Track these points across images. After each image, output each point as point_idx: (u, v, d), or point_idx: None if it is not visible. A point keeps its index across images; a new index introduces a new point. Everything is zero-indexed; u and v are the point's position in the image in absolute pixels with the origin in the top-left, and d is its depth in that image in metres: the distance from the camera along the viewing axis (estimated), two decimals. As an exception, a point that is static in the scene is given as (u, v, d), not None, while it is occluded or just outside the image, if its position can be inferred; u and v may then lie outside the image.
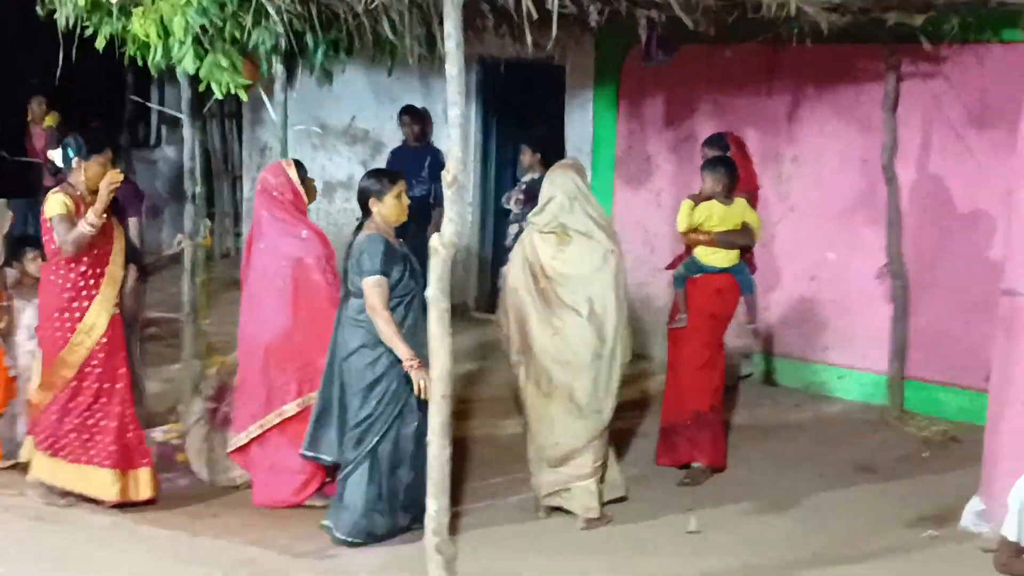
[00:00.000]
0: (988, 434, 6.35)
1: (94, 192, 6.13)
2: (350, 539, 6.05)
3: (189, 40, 6.04)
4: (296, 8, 5.75)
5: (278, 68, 6.84)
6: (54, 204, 6.16)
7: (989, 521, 6.05)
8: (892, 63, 8.12)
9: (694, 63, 9.02)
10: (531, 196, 9.40)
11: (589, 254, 6.23)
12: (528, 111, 10.85)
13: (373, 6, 5.42)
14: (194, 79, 7.12)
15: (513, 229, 8.86)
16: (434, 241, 5.21)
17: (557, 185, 6.31)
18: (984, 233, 8.04)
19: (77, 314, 6.26)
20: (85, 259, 6.24)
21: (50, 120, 11.20)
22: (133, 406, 6.46)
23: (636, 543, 6.20)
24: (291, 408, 6.48)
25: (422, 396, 5.71)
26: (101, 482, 6.33)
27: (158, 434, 7.23)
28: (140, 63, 6.87)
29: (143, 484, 6.41)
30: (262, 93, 7.04)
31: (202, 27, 5.88)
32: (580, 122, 10.11)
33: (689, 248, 7.25)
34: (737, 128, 8.94)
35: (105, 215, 6.09)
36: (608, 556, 6.03)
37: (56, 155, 6.29)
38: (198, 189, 7.40)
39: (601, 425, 6.30)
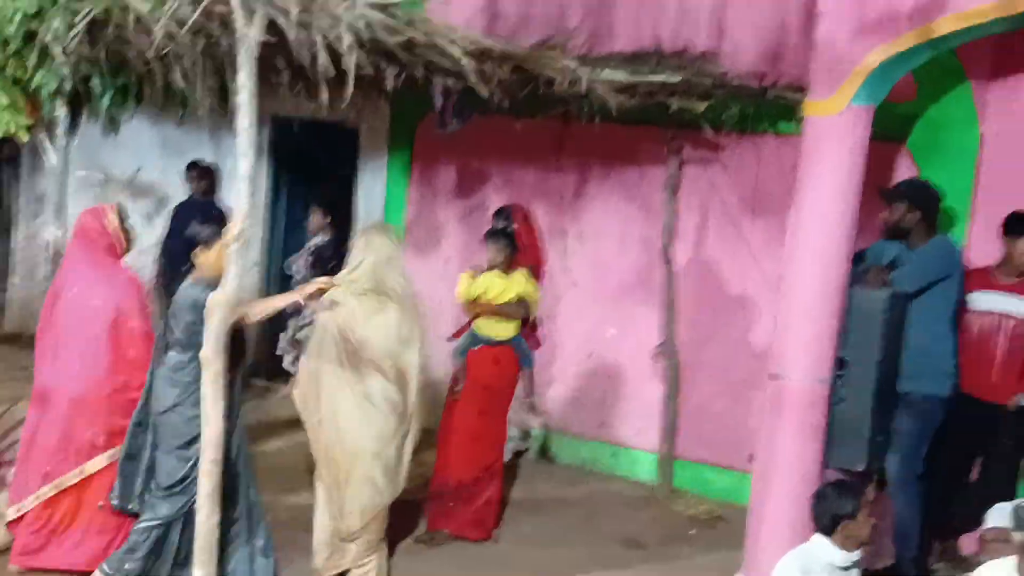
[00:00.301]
0: (752, 513, 6.54)
1: None
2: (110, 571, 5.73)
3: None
4: (85, 51, 5.53)
5: (60, 111, 6.57)
6: None
7: (749, 597, 6.23)
8: (674, 147, 8.43)
9: (487, 134, 9.13)
10: (318, 260, 9.34)
11: (401, 322, 6.17)
12: (320, 172, 10.78)
13: (164, 52, 5.28)
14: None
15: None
16: (211, 300, 5.10)
17: (374, 247, 6.24)
18: (751, 318, 8.37)
19: None
20: None
21: None
22: None
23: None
24: (99, 462, 6.07)
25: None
26: None
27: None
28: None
29: None
30: (43, 137, 6.75)
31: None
32: (372, 185, 10.10)
33: (471, 320, 7.33)
34: (525, 201, 9.07)
35: None
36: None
37: None
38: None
39: (397, 493, 6.22)
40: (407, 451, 6.22)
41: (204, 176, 10.49)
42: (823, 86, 6.28)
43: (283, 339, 9.50)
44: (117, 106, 6.63)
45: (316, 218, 9.85)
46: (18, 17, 5.14)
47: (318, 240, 9.68)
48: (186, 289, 5.83)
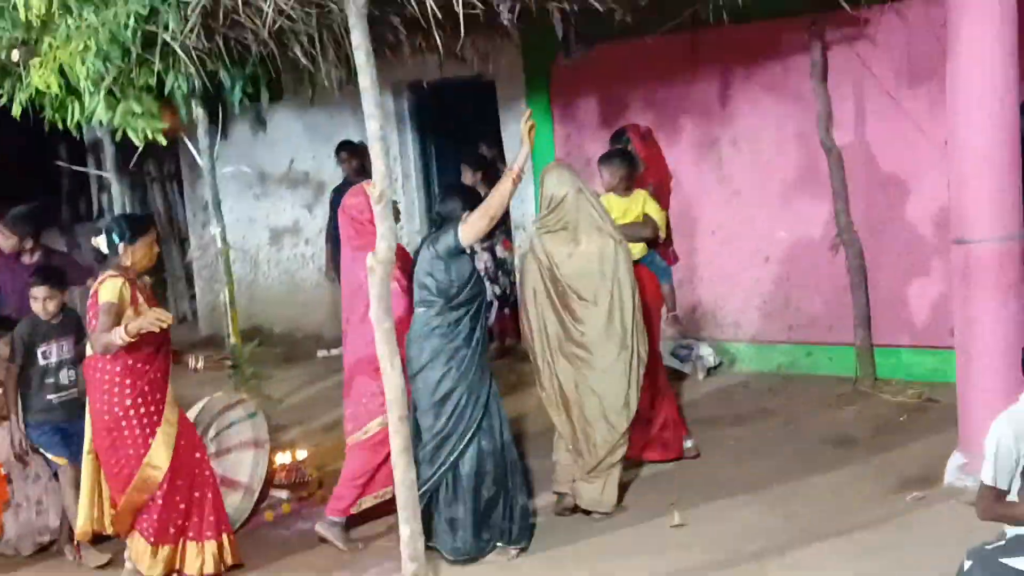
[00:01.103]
0: (960, 387, 6.27)
1: (142, 273, 5.99)
2: (454, 559, 5.90)
3: (101, 93, 5.90)
4: (204, 44, 5.59)
5: (198, 112, 6.69)
6: (110, 290, 5.74)
7: (972, 473, 5.95)
8: (815, 32, 8.07)
9: (620, 60, 9.00)
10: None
11: (601, 249, 6.21)
12: (465, 130, 10.75)
13: (276, 27, 5.28)
14: (115, 133, 7.04)
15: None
16: (369, 260, 5.11)
17: (564, 182, 6.26)
18: (927, 190, 7.99)
19: (153, 408, 5.88)
20: (138, 355, 5.82)
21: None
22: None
23: (623, 546, 6.08)
24: (373, 427, 6.21)
25: None
26: (207, 556, 6.08)
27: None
28: (61, 126, 6.76)
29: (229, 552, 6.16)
30: (186, 140, 6.89)
31: (113, 77, 5.76)
32: (517, 133, 9.95)
33: None
34: (670, 117, 8.89)
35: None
36: (599, 562, 5.90)
37: (100, 242, 6.00)
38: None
39: (630, 418, 6.29)
40: (636, 375, 6.26)
41: (354, 155, 10.52)
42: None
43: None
44: (249, 97, 6.67)
45: (467, 176, 9.86)
46: (131, 21, 5.18)
47: (474, 196, 9.69)
48: (426, 251, 5.95)
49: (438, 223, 6.15)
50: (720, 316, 9.04)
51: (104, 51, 5.18)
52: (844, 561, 5.56)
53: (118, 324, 5.59)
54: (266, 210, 11.69)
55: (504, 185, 5.84)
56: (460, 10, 5.14)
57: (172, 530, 5.97)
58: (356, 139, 10.70)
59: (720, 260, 8.90)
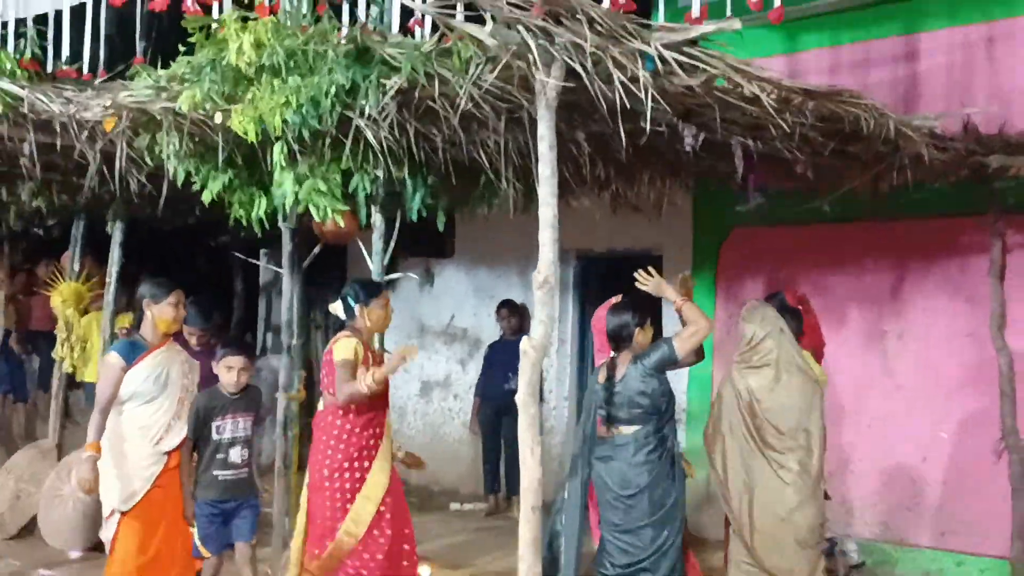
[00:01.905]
0: None
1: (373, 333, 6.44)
2: None
3: (291, 175, 6.16)
4: (394, 136, 5.81)
5: (377, 217, 6.89)
6: (345, 348, 6.22)
7: None
8: (997, 231, 7.96)
9: (791, 242, 9.03)
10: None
11: (802, 385, 6.52)
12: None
13: (463, 119, 5.48)
14: (295, 231, 7.29)
15: None
16: (524, 343, 5.11)
17: (768, 321, 6.64)
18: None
19: (366, 463, 6.26)
20: (365, 407, 6.25)
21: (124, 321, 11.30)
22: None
23: None
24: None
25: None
26: None
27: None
28: (245, 221, 7.04)
29: None
30: (360, 244, 7.08)
31: (301, 152, 6.02)
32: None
33: None
34: (839, 306, 8.79)
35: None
36: None
37: (337, 307, 6.46)
38: (295, 341, 7.38)
39: (819, 553, 6.54)
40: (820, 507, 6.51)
41: (514, 314, 10.68)
42: None
43: None
44: (428, 209, 6.84)
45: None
46: (332, 88, 5.43)
47: (628, 367, 9.67)
48: (635, 368, 6.30)
49: (616, 342, 6.50)
50: (869, 513, 8.68)
51: (303, 107, 5.42)
52: None
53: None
54: (420, 361, 11.83)
55: (693, 310, 6.36)
56: (647, 124, 5.19)
57: None
58: (519, 300, 10.89)
59: (875, 455, 8.62)
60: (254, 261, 8.07)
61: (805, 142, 6.10)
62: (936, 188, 7.98)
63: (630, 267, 10.48)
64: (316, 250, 7.31)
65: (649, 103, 5.03)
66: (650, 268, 6.60)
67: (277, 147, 5.99)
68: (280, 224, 7.12)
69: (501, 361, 10.35)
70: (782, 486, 6.38)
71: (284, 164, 6.06)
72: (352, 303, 6.39)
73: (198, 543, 6.37)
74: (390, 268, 7.22)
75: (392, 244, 7.02)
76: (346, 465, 6.19)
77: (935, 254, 8.50)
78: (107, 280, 9.19)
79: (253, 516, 6.37)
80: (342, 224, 6.44)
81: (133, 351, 6.34)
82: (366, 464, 6.20)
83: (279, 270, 7.45)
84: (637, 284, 6.54)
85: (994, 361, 7.95)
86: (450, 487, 11.27)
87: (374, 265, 7.01)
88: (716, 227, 9.62)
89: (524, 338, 5.13)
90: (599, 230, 9.98)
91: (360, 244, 7.10)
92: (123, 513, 6.23)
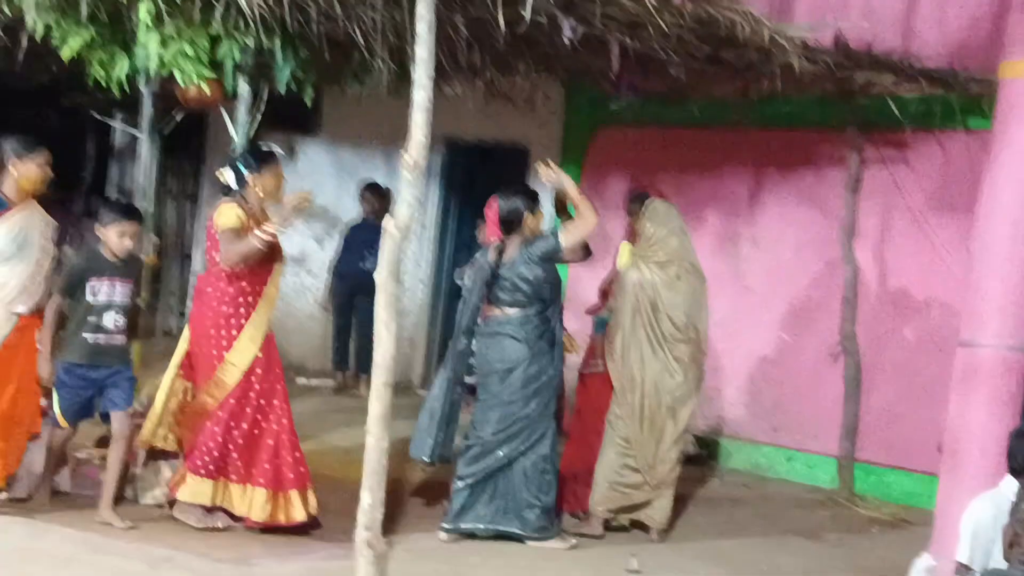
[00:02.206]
0: (942, 489, 6.17)
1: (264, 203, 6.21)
2: None
3: (155, 35, 5.98)
4: (267, 4, 5.66)
5: (243, 87, 6.75)
6: (227, 215, 6.05)
7: (939, 576, 5.86)
8: (856, 146, 8.20)
9: (656, 144, 9.16)
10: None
11: (697, 284, 6.77)
12: (491, 193, 10.82)
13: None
14: (156, 96, 7.11)
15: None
16: (387, 223, 5.12)
17: (673, 220, 6.81)
18: (937, 318, 8.03)
19: (234, 331, 6.10)
20: (245, 275, 6.11)
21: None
22: (291, 425, 6.25)
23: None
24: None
25: None
26: (255, 503, 6.09)
27: (82, 454, 6.92)
28: (105, 83, 6.83)
29: (294, 506, 6.14)
30: (224, 113, 6.93)
31: (168, 12, 5.84)
32: (543, 202, 10.06)
33: (606, 295, 7.30)
34: (698, 207, 8.96)
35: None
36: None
37: (227, 175, 6.20)
38: (150, 208, 7.22)
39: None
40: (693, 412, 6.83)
41: (378, 197, 10.62)
42: (1020, 45, 6.01)
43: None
44: (297, 83, 6.72)
45: (483, 232, 9.89)
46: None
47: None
48: (522, 254, 6.44)
49: (507, 225, 6.62)
50: (707, 408, 8.96)
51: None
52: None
53: None
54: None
55: (586, 204, 6.53)
56: (527, 12, 5.18)
57: (219, 464, 6.05)
58: (383, 183, 10.83)
59: (717, 352, 8.87)
60: (109, 122, 7.79)
61: (681, 43, 6.16)
62: (801, 100, 8.19)
63: (497, 157, 10.63)
64: (177, 117, 7.13)
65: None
66: (548, 160, 6.73)
67: (143, 5, 5.80)
68: (141, 87, 6.92)
69: (360, 241, 10.34)
70: (672, 378, 6.60)
71: (150, 24, 5.87)
72: (243, 169, 6.17)
73: (56, 411, 6.16)
74: (253, 141, 7.10)
75: (256, 116, 6.89)
76: (221, 323, 6.08)
77: (795, 164, 8.74)
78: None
79: (129, 386, 6.15)
80: (207, 91, 6.28)
81: None
82: (242, 322, 6.08)
83: (137, 133, 7.28)
84: (540, 174, 6.66)
85: (841, 269, 8.26)
86: (296, 362, 11.20)
87: (237, 136, 6.88)
88: (585, 124, 9.69)
89: (387, 217, 5.13)
90: (469, 119, 9.93)
91: (224, 113, 6.95)
92: None
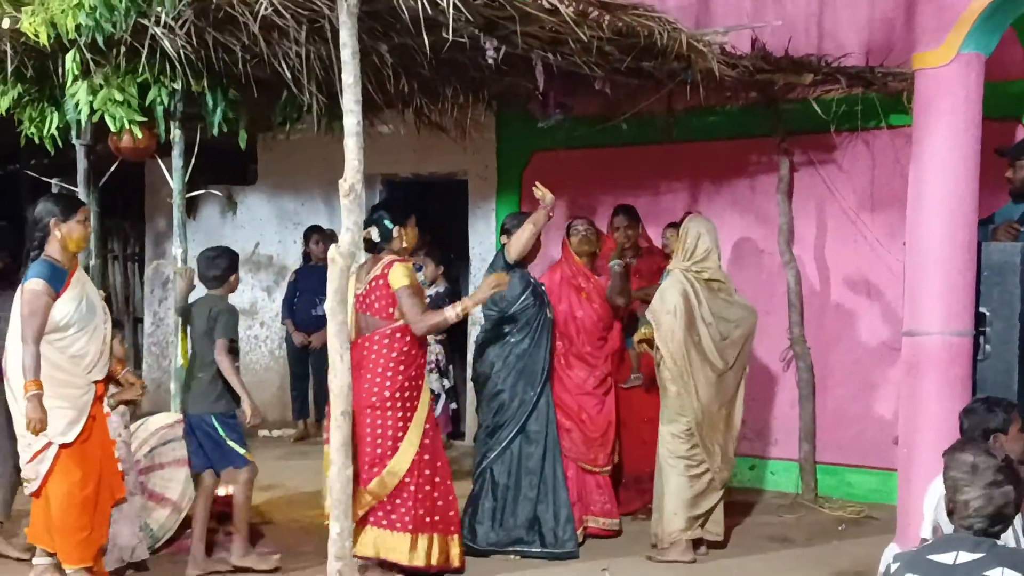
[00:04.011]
0: (901, 480, 6.24)
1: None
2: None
3: (83, 84, 5.98)
4: (192, 44, 5.68)
5: (176, 133, 6.75)
6: (403, 275, 6.07)
7: (906, 562, 5.88)
8: (785, 150, 8.31)
9: (591, 164, 9.24)
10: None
11: (746, 309, 6.84)
12: (431, 226, 10.86)
13: (264, 29, 5.38)
14: (90, 148, 7.10)
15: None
16: (331, 251, 5.14)
17: (709, 233, 6.76)
18: (879, 315, 8.14)
19: (416, 392, 6.10)
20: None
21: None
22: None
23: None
24: None
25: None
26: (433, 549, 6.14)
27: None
28: (37, 140, 6.83)
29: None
30: (160, 163, 6.94)
31: (95, 62, 5.85)
32: (484, 232, 10.15)
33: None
34: (637, 225, 9.03)
35: None
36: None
37: (372, 232, 6.21)
38: (92, 262, 7.20)
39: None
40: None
41: (324, 240, 10.60)
42: (931, 35, 6.14)
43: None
44: (228, 124, 6.74)
45: (429, 269, 9.93)
46: (124, 4, 5.24)
47: (433, 291, 9.76)
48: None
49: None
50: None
51: (96, 10, 5.21)
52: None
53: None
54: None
55: (538, 214, 6.76)
56: (449, 35, 5.24)
57: (428, 520, 6.09)
58: (325, 226, 10.83)
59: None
60: (47, 179, 7.77)
61: (602, 56, 6.23)
62: (727, 111, 8.33)
63: (435, 192, 10.67)
64: (112, 167, 7.12)
65: (451, 12, 5.07)
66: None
67: (70, 55, 5.82)
68: (74, 141, 6.92)
69: (308, 287, 10.32)
70: (724, 383, 6.72)
71: (77, 72, 5.88)
72: (389, 225, 6.21)
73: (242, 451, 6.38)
74: (190, 192, 7.09)
75: (191, 163, 6.88)
76: (406, 384, 6.05)
77: (726, 174, 8.84)
78: None
79: None
80: (139, 135, 6.27)
81: (55, 276, 5.79)
82: (420, 383, 6.14)
83: (73, 189, 7.25)
84: (538, 193, 6.85)
85: (782, 275, 8.34)
86: (255, 414, 11.18)
87: (175, 183, 6.88)
88: (519, 151, 9.76)
89: (332, 246, 5.15)
90: (404, 155, 10.03)
91: (160, 163, 6.95)
92: (63, 446, 5.77)
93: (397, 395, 5.99)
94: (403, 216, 6.28)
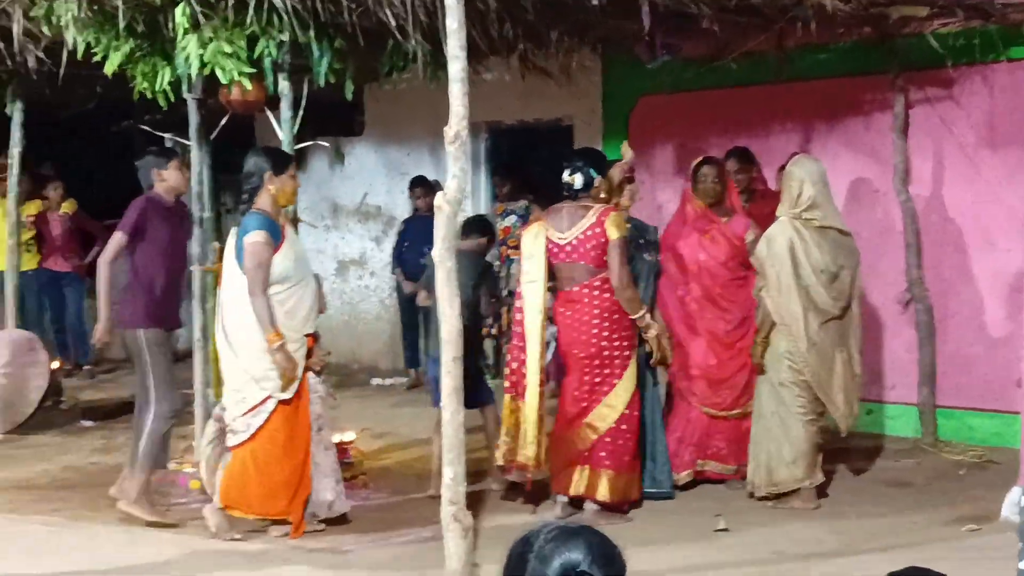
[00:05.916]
0: (1025, 420, 6.09)
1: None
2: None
3: (194, 37, 6.04)
4: (299, 1, 5.70)
5: (284, 86, 6.79)
6: (620, 225, 6.21)
7: (1033, 509, 5.75)
8: (900, 88, 8.08)
9: (699, 107, 9.09)
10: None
11: (853, 249, 6.63)
12: (537, 171, 10.82)
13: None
14: (201, 103, 7.19)
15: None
16: (438, 199, 5.13)
17: (815, 176, 6.51)
18: (999, 255, 7.89)
19: (633, 333, 6.36)
20: None
21: (67, 207, 11.11)
22: None
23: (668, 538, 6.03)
24: None
25: None
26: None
27: (171, 464, 7.01)
28: (150, 94, 6.93)
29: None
30: (270, 115, 6.98)
31: (205, 15, 5.90)
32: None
33: None
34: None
35: None
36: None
37: (576, 178, 6.33)
38: (206, 214, 7.34)
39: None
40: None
41: (428, 192, 10.61)
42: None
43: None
44: (335, 74, 6.76)
45: (536, 215, 9.87)
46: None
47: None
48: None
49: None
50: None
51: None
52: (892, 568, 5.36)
53: None
54: (334, 242, 11.79)
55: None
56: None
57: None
58: (431, 178, 10.84)
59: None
60: (160, 134, 7.91)
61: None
62: (839, 48, 8.09)
63: (540, 139, 10.61)
64: (224, 121, 7.20)
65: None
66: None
67: (179, 9, 5.87)
68: (185, 95, 7.00)
69: (416, 237, 10.34)
70: (842, 327, 6.58)
71: (187, 26, 5.93)
72: (593, 173, 6.34)
73: None
74: (298, 144, 7.13)
75: (299, 115, 6.91)
76: (616, 337, 6.26)
77: (840, 114, 8.60)
78: (8, 163, 8.95)
79: None
80: (249, 87, 6.32)
81: (273, 229, 5.88)
82: (627, 353, 6.31)
83: (186, 142, 7.36)
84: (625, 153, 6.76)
85: (898, 215, 8.14)
86: (369, 363, 11.34)
87: (284, 136, 6.92)
88: (625, 96, 9.63)
89: (438, 194, 5.14)
90: (509, 101, 9.95)
91: (270, 116, 6.99)
92: (282, 402, 5.86)
93: (616, 342, 6.23)
94: (606, 166, 6.45)
